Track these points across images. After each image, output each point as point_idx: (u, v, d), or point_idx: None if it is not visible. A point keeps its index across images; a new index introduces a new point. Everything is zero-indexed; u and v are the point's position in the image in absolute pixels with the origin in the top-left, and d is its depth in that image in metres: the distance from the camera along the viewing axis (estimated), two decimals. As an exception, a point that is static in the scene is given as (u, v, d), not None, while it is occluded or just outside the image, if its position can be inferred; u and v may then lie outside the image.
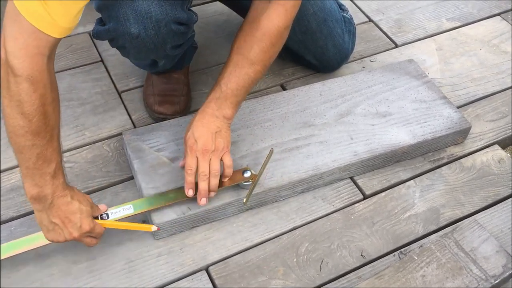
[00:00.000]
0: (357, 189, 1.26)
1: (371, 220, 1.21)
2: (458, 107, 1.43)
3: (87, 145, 1.32)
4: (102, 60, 1.53)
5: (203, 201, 1.10)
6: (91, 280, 1.08)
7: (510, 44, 1.65)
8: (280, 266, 1.12)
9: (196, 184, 1.09)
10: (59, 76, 1.45)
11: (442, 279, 1.05)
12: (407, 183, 1.28)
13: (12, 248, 1.06)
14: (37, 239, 1.06)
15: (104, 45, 1.56)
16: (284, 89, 1.49)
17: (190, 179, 1.09)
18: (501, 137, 1.40)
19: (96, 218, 1.06)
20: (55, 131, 0.96)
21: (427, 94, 1.39)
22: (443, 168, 1.32)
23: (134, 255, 1.12)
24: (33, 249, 1.06)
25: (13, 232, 1.14)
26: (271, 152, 1.20)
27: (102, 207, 1.07)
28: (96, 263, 1.11)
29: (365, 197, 1.26)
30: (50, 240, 1.03)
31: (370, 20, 1.72)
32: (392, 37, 1.66)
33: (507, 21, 1.73)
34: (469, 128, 1.35)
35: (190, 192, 1.10)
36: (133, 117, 1.40)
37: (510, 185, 1.29)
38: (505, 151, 1.38)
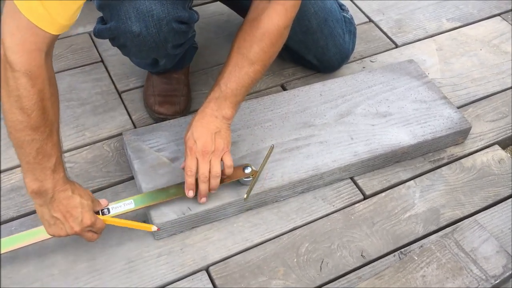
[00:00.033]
0: (357, 189, 1.26)
1: (371, 220, 1.21)
2: (458, 107, 1.43)
3: (87, 145, 1.32)
4: (102, 60, 1.53)
5: (203, 200, 1.11)
6: (91, 280, 1.08)
7: (510, 45, 1.65)
8: (280, 266, 1.12)
9: (197, 184, 1.09)
10: (59, 77, 1.45)
11: (442, 279, 1.05)
12: (407, 183, 1.28)
13: (13, 242, 1.06)
14: (38, 234, 1.06)
15: (104, 45, 1.56)
16: (284, 89, 1.49)
17: (190, 180, 1.09)
18: (501, 137, 1.40)
19: (97, 213, 1.06)
20: (55, 126, 0.96)
21: (427, 94, 1.39)
22: (443, 168, 1.32)
23: (134, 255, 1.12)
24: (34, 243, 1.06)
25: (13, 232, 1.13)
26: (272, 148, 1.20)
27: (103, 202, 1.07)
28: (96, 263, 1.11)
29: (365, 197, 1.26)
30: (51, 235, 1.03)
31: (371, 20, 1.72)
32: (392, 37, 1.66)
33: (507, 21, 1.73)
34: (469, 128, 1.35)
35: (190, 193, 1.10)
36: (133, 117, 1.40)
37: (510, 185, 1.29)
38: (505, 152, 1.38)
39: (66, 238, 1.13)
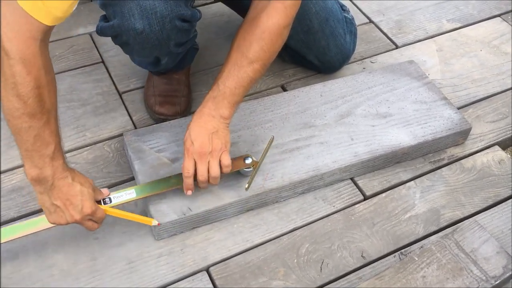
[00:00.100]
0: (357, 190, 1.27)
1: (371, 221, 1.21)
2: (458, 108, 1.43)
3: (88, 146, 1.33)
4: (103, 61, 1.54)
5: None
6: (92, 281, 1.09)
7: (510, 45, 1.65)
8: (280, 267, 1.12)
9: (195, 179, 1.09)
10: (59, 77, 1.46)
11: (443, 280, 1.05)
12: (408, 184, 1.28)
13: (14, 231, 1.06)
14: (39, 223, 1.06)
15: (105, 46, 1.56)
16: (284, 90, 1.49)
17: (188, 181, 1.09)
18: (501, 138, 1.40)
19: (99, 202, 1.06)
20: (52, 114, 0.96)
21: (427, 95, 1.39)
22: (443, 169, 1.32)
23: (134, 255, 1.13)
24: (35, 232, 1.06)
25: (14, 233, 1.14)
26: (272, 139, 1.20)
27: (104, 191, 1.07)
28: (97, 264, 1.11)
29: (366, 198, 1.26)
30: (52, 223, 1.03)
31: (371, 21, 1.72)
32: (393, 38, 1.66)
33: (507, 22, 1.73)
34: (470, 129, 1.35)
35: (189, 193, 1.10)
36: (134, 118, 1.40)
37: (511, 186, 1.29)
38: (506, 152, 1.38)
39: (66, 238, 1.14)
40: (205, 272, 1.11)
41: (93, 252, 1.12)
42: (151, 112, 1.38)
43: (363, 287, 1.05)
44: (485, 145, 1.38)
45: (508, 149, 1.42)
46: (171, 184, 1.12)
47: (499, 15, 1.76)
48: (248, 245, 1.15)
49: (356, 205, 1.24)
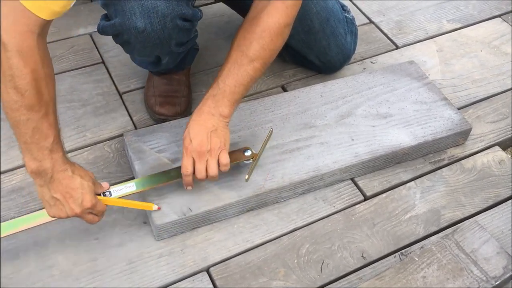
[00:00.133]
0: (357, 190, 1.27)
1: (371, 221, 1.21)
2: (458, 109, 1.43)
3: (88, 146, 1.33)
4: (103, 62, 1.54)
5: None
6: (92, 281, 1.09)
7: (511, 46, 1.65)
8: (281, 267, 1.12)
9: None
10: (60, 78, 1.46)
11: (443, 280, 1.05)
12: (408, 184, 1.28)
13: (14, 225, 1.06)
14: (39, 217, 1.05)
15: (105, 46, 1.56)
16: (285, 90, 1.49)
17: (187, 179, 1.09)
18: (501, 139, 1.40)
19: (98, 195, 1.06)
20: (50, 106, 0.96)
21: (427, 95, 1.39)
22: (443, 169, 1.32)
23: (135, 256, 1.13)
24: (35, 226, 1.06)
25: (14, 233, 1.14)
26: (271, 131, 1.20)
27: (104, 184, 1.07)
28: (97, 264, 1.11)
29: (366, 198, 1.26)
30: (52, 216, 1.03)
31: (371, 21, 1.72)
32: (393, 38, 1.66)
33: (507, 22, 1.73)
34: (470, 130, 1.35)
35: (189, 188, 1.11)
36: (134, 118, 1.40)
37: (511, 186, 1.29)
38: (506, 153, 1.38)
39: (67, 239, 1.14)
40: (205, 273, 1.11)
41: (93, 253, 1.12)
42: (151, 112, 1.38)
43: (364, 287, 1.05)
44: (486, 146, 1.38)
45: (508, 149, 1.42)
46: (171, 177, 1.12)
47: (499, 16, 1.76)
48: (249, 246, 1.15)
49: (357, 206, 1.23)
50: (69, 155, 1.28)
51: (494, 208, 1.24)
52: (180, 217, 1.13)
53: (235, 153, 1.16)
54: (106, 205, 1.06)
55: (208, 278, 1.10)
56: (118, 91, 1.46)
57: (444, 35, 1.68)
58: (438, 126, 1.32)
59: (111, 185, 1.22)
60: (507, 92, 1.52)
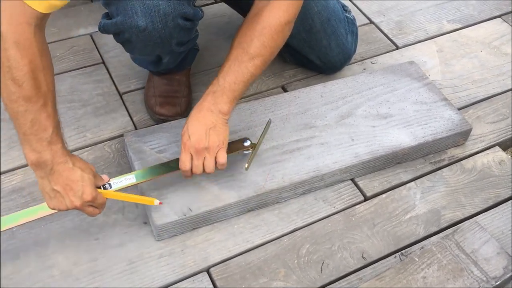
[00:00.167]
0: (358, 190, 1.27)
1: (372, 221, 1.21)
2: (459, 109, 1.43)
3: (88, 147, 1.33)
4: (103, 62, 1.54)
5: None
6: (92, 282, 1.09)
7: (511, 46, 1.65)
8: (281, 268, 1.12)
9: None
10: (60, 78, 1.46)
11: (443, 280, 1.05)
12: (408, 184, 1.28)
13: (15, 219, 1.05)
14: (40, 210, 1.05)
15: (106, 46, 1.56)
16: (285, 90, 1.49)
17: (185, 173, 1.10)
18: (501, 139, 1.40)
19: (98, 188, 1.05)
20: (49, 98, 0.96)
21: (428, 95, 1.39)
22: (444, 169, 1.32)
23: (135, 256, 1.13)
24: (35, 219, 1.06)
25: (14, 234, 1.14)
26: (269, 121, 1.21)
27: (104, 177, 1.07)
28: (97, 265, 1.11)
29: (366, 198, 1.26)
30: (52, 208, 1.03)
31: (371, 22, 1.72)
32: (393, 39, 1.67)
33: (507, 23, 1.73)
34: (470, 130, 1.35)
35: (188, 178, 1.12)
36: (134, 118, 1.40)
37: (511, 186, 1.29)
38: (506, 153, 1.38)
39: (67, 239, 1.14)
40: (205, 273, 1.11)
41: (93, 253, 1.12)
42: (151, 112, 1.38)
43: (364, 288, 1.05)
44: (486, 146, 1.38)
45: (509, 150, 1.42)
46: (171, 168, 1.13)
47: (499, 16, 1.76)
48: (249, 246, 1.15)
49: (357, 206, 1.24)
50: (69, 155, 1.29)
51: (495, 209, 1.24)
52: (181, 218, 1.13)
53: (235, 144, 1.16)
54: (107, 198, 1.06)
55: (208, 278, 1.10)
56: (118, 92, 1.46)
57: (444, 35, 1.68)
58: (438, 126, 1.32)
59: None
60: (507, 93, 1.52)
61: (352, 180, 1.28)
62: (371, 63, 1.59)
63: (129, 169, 1.27)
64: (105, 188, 1.06)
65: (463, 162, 1.34)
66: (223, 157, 1.09)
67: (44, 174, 0.98)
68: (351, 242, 1.17)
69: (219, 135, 1.08)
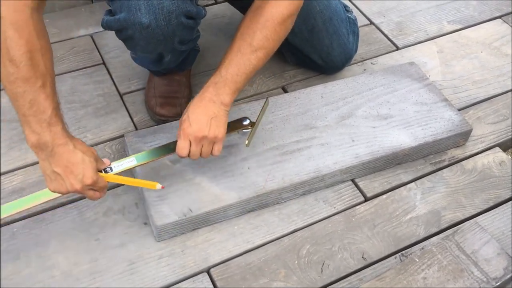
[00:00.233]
0: (358, 191, 1.27)
1: (372, 222, 1.21)
2: (459, 110, 1.43)
3: (88, 147, 1.33)
4: (104, 63, 1.54)
5: None
6: (93, 282, 1.09)
7: (511, 47, 1.65)
8: (281, 268, 1.12)
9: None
10: (61, 79, 1.46)
11: (444, 281, 1.05)
12: (408, 185, 1.28)
13: (17, 206, 1.05)
14: (41, 196, 1.05)
15: (106, 47, 1.57)
16: (285, 91, 1.49)
17: (183, 158, 1.11)
18: (502, 140, 1.40)
19: (99, 171, 1.05)
20: (47, 79, 0.96)
21: (428, 96, 1.39)
22: (444, 170, 1.32)
23: (135, 257, 1.13)
24: (37, 205, 1.06)
25: (15, 234, 1.14)
26: (267, 99, 1.23)
27: (105, 161, 1.07)
28: (97, 265, 1.11)
29: (366, 199, 1.26)
30: (52, 191, 1.02)
31: (371, 22, 1.72)
32: (393, 39, 1.67)
33: (508, 23, 1.74)
34: (470, 131, 1.35)
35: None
36: (134, 119, 1.40)
37: (511, 187, 1.29)
38: (506, 154, 1.38)
39: (67, 239, 1.14)
40: (205, 274, 1.11)
41: (94, 253, 1.12)
42: (152, 113, 1.38)
43: (364, 289, 1.05)
44: (486, 147, 1.38)
45: (509, 150, 1.42)
46: (170, 150, 1.13)
47: (499, 17, 1.76)
48: (249, 246, 1.15)
49: (357, 207, 1.24)
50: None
51: (495, 209, 1.24)
52: (181, 218, 1.13)
53: (234, 123, 1.17)
54: (108, 182, 1.06)
55: (208, 279, 1.10)
56: (119, 92, 1.46)
57: (444, 36, 1.69)
58: (438, 127, 1.32)
59: (111, 186, 1.23)
60: (507, 93, 1.52)
61: (353, 180, 1.28)
62: (372, 64, 1.59)
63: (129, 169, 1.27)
64: (106, 172, 1.06)
65: (463, 162, 1.34)
66: (218, 151, 1.11)
67: (45, 156, 0.98)
68: (352, 242, 1.17)
69: (219, 126, 1.09)
